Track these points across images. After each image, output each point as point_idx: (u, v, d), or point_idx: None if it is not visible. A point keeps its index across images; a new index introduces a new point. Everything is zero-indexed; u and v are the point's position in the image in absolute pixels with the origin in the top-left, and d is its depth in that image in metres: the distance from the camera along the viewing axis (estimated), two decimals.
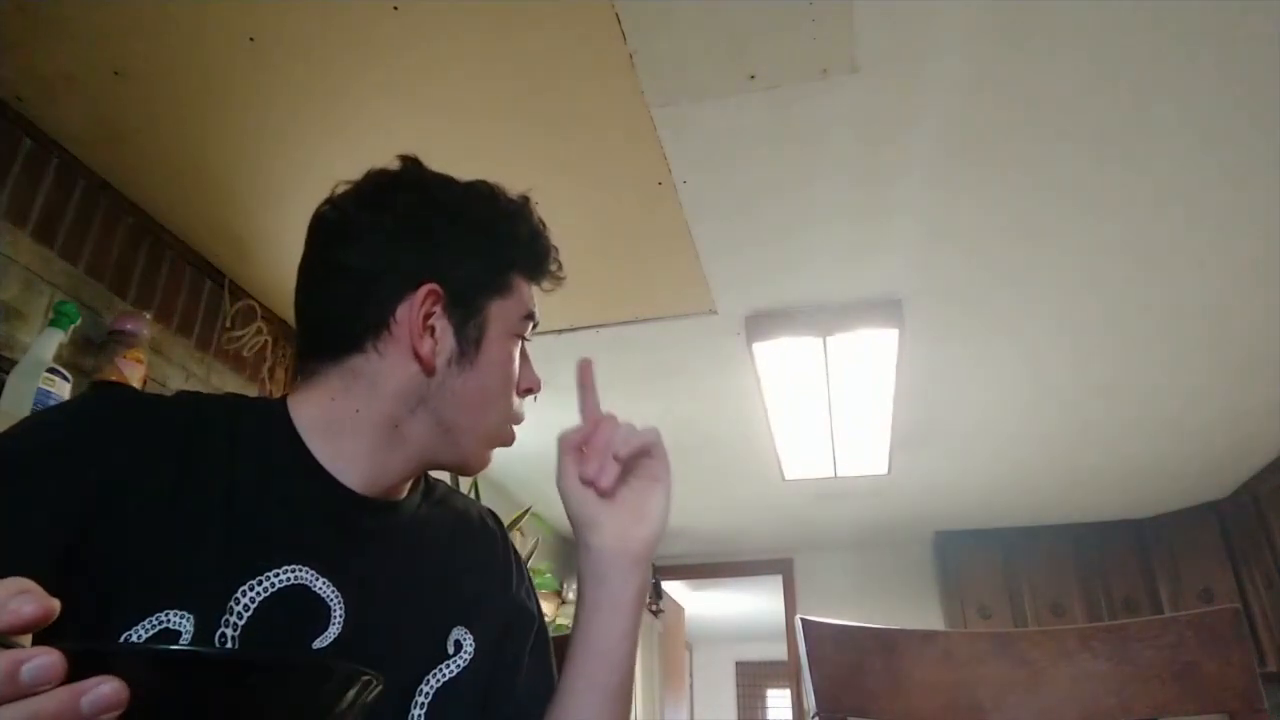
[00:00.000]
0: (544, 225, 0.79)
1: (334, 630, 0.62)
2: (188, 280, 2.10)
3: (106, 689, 0.30)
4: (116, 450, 0.59)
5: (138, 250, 1.96)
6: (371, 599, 0.65)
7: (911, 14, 1.47)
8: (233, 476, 0.62)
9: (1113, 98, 1.67)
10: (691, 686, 7.50)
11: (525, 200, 0.79)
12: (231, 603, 0.58)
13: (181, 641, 0.55)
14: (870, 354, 2.61)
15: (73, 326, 1.64)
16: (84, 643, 0.34)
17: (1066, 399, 3.02)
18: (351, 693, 0.37)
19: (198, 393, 0.70)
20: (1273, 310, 2.40)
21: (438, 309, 0.69)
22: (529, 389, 0.78)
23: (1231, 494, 3.87)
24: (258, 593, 0.59)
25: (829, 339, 2.52)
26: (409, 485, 0.75)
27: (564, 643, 0.71)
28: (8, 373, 1.52)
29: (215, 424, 0.65)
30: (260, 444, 0.66)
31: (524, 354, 0.77)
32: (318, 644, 0.61)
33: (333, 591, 0.63)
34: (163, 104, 1.66)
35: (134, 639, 0.54)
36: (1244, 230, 2.07)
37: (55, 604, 0.33)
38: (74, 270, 1.77)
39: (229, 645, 0.56)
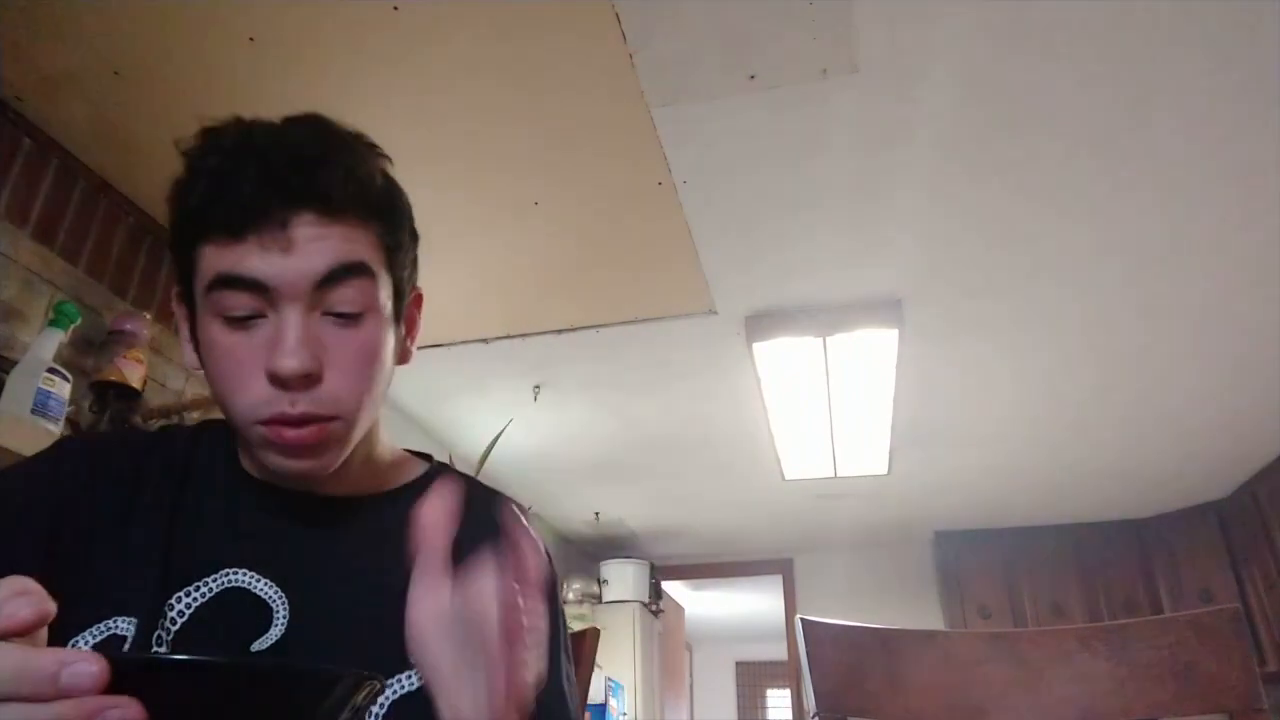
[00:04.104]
0: (237, 151, 0.59)
1: (276, 632, 0.61)
2: None
3: (132, 713, 0.31)
4: (64, 495, 0.63)
5: (138, 250, 1.96)
6: (320, 601, 0.63)
7: (911, 14, 1.47)
8: (178, 500, 0.65)
9: (1111, 97, 1.67)
10: (691, 686, 7.50)
11: (206, 134, 0.62)
12: (166, 608, 0.60)
13: (125, 646, 0.58)
14: (870, 354, 2.61)
15: (73, 326, 1.64)
16: (120, 653, 0.35)
17: (1067, 399, 3.01)
18: (360, 696, 0.38)
19: (170, 426, 0.74)
20: (1272, 310, 2.40)
21: (179, 306, 0.65)
22: (272, 373, 0.58)
23: (1231, 494, 3.87)
24: (194, 598, 0.61)
25: (829, 339, 2.52)
26: (382, 480, 0.72)
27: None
28: (8, 373, 1.52)
29: (173, 453, 0.68)
30: (214, 458, 0.69)
31: (278, 329, 0.58)
32: (257, 645, 0.60)
33: (276, 593, 0.62)
34: (163, 104, 1.66)
35: (83, 643, 0.58)
36: (1243, 230, 2.07)
37: (53, 607, 0.34)
38: (74, 270, 1.77)
39: (164, 649, 0.58)
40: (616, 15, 1.46)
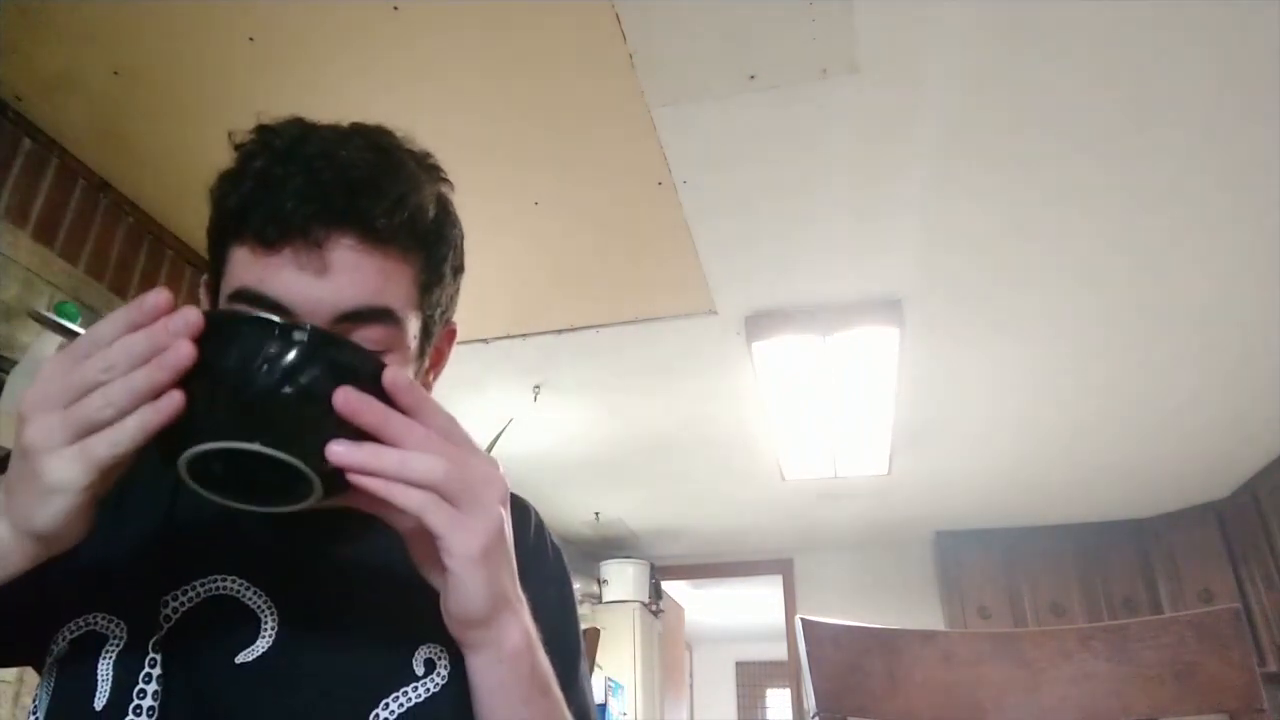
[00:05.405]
0: (286, 157, 0.57)
1: (263, 644, 0.58)
2: (187, 280, 2.11)
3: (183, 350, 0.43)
4: None
5: (138, 250, 1.96)
6: (316, 611, 0.61)
7: (911, 14, 1.47)
8: (177, 490, 0.62)
9: (1112, 97, 1.67)
10: (691, 686, 7.51)
11: (260, 132, 0.61)
12: (153, 612, 0.58)
13: (110, 646, 0.56)
14: (870, 354, 2.61)
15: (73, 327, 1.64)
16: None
17: (1067, 399, 3.02)
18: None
19: None
20: (1272, 310, 2.40)
21: (206, 295, 0.63)
22: None
23: (1231, 494, 3.87)
24: (182, 602, 0.58)
25: (829, 338, 2.52)
26: None
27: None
28: (8, 372, 1.52)
29: None
30: None
31: None
32: (242, 658, 0.58)
33: (265, 603, 0.60)
34: (163, 104, 1.66)
35: (61, 639, 0.56)
36: (1243, 230, 2.07)
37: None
38: (74, 270, 1.77)
39: (157, 655, 0.56)
40: (616, 15, 1.46)
